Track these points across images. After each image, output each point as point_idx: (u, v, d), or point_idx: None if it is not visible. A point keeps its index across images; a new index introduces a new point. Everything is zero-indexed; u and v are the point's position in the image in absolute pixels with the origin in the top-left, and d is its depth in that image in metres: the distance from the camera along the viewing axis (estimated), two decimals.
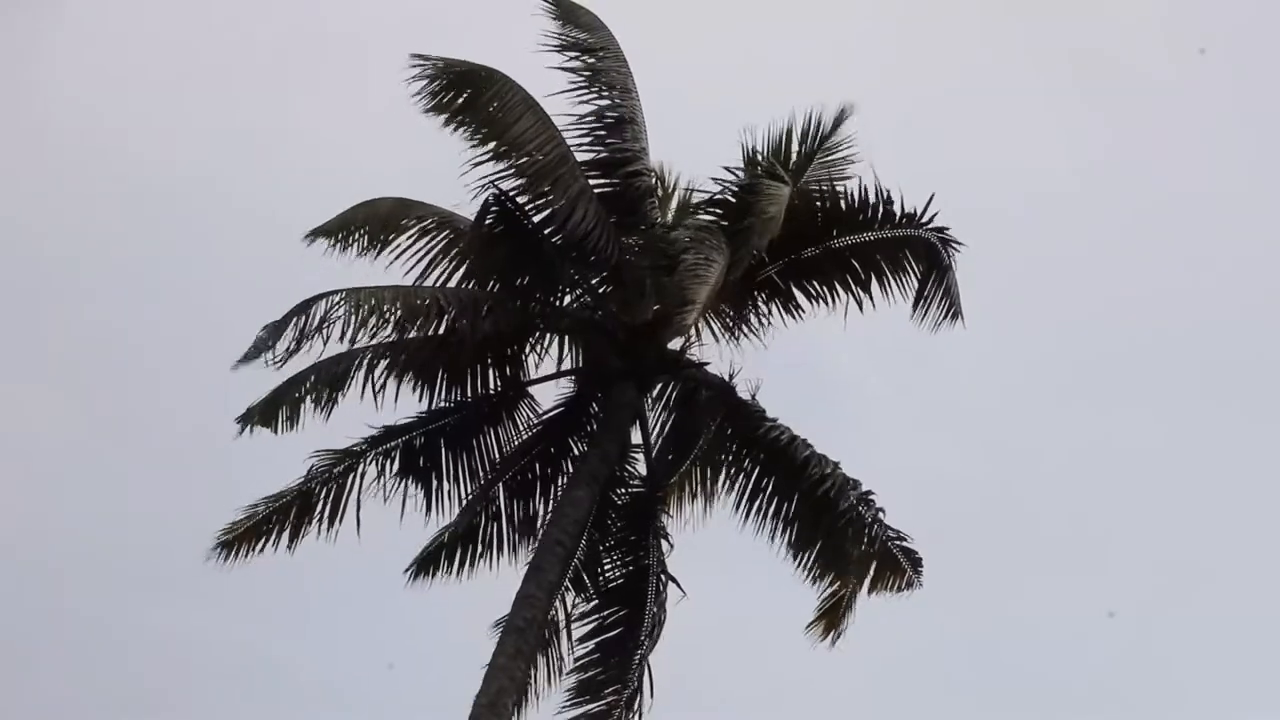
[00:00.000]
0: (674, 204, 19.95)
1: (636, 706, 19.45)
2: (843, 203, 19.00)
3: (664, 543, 19.74)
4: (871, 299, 19.34)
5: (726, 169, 18.90)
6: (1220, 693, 30.71)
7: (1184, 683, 31.14)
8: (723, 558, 20.31)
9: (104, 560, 30.02)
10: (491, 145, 18.50)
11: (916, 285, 19.12)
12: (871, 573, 18.60)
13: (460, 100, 18.33)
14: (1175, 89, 34.23)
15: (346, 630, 30.07)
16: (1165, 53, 33.81)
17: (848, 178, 19.15)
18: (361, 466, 19.40)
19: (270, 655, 30.45)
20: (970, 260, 19.07)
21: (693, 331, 19.48)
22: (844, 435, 19.49)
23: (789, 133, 19.34)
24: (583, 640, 19.77)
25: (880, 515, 18.57)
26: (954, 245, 18.86)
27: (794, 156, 19.31)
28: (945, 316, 19.11)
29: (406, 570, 19.83)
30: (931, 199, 18.68)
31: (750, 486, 19.24)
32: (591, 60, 19.09)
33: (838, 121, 19.38)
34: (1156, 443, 32.32)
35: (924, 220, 18.81)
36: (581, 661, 19.69)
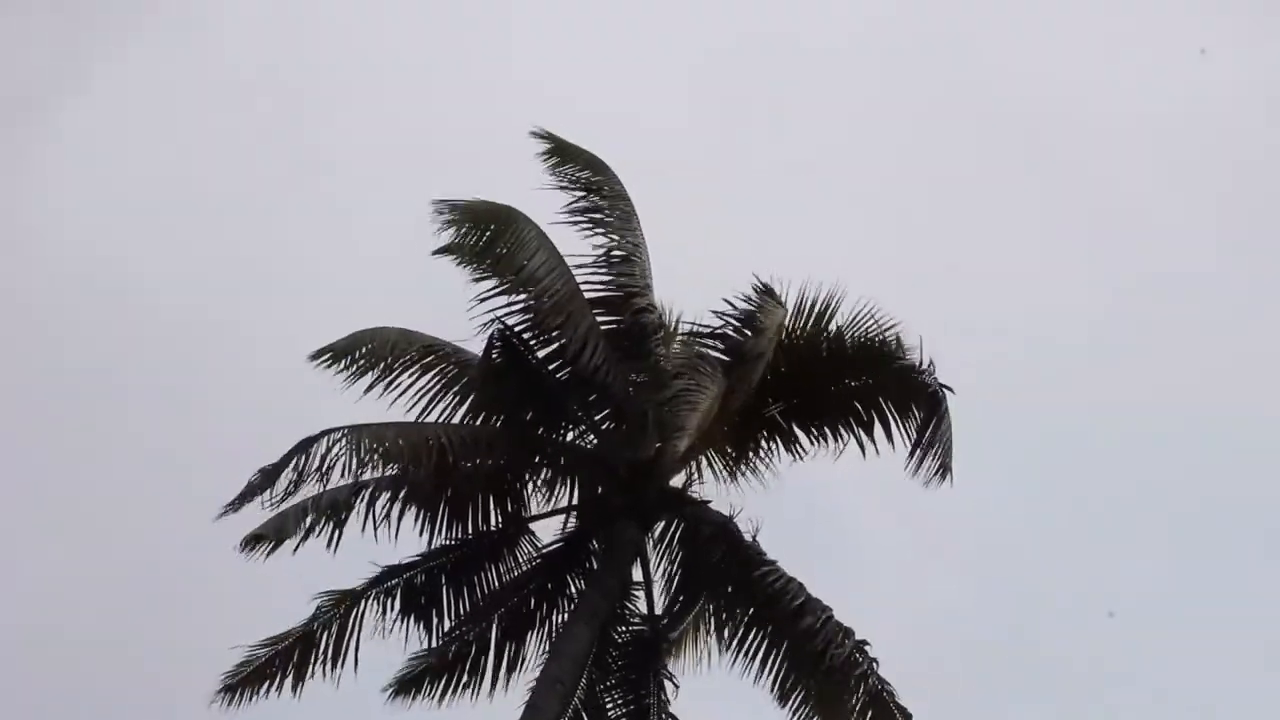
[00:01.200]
0: (677, 340, 19.89)
1: None
2: (848, 344, 19.00)
3: (667, 683, 19.60)
4: (874, 442, 19.31)
5: (725, 301, 18.84)
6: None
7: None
8: (730, 696, 20.05)
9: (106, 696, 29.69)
10: (506, 280, 18.68)
11: (915, 434, 19.05)
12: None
13: (480, 240, 18.56)
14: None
15: None
16: None
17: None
18: (362, 606, 19.27)
19: None
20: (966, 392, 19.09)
21: (695, 469, 19.55)
22: (842, 564, 19.29)
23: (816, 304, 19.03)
24: None
25: (874, 666, 18.36)
26: (947, 390, 18.76)
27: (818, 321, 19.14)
28: (936, 473, 19.00)
29: (385, 689, 19.66)
30: (932, 359, 18.71)
31: (742, 630, 19.04)
32: (594, 198, 19.31)
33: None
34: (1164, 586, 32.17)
35: (927, 368, 18.76)
36: None
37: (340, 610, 19.19)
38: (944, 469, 18.93)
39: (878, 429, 19.22)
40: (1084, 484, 32.60)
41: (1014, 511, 31.69)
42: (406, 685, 19.71)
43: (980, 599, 30.73)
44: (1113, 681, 30.99)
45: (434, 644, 19.58)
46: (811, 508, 22.84)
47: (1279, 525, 32.45)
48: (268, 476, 18.36)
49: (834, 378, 19.19)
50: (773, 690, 18.87)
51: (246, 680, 19.03)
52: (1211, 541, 32.83)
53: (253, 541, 18.61)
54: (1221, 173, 34.27)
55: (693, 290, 19.53)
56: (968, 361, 19.87)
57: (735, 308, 18.69)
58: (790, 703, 18.82)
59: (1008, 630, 31.04)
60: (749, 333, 18.49)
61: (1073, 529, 32.71)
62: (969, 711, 26.42)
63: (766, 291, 18.64)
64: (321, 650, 19.13)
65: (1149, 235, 34.17)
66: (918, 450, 18.95)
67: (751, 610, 18.95)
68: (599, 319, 19.10)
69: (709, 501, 19.49)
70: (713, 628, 19.51)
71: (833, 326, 18.98)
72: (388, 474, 18.81)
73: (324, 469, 18.10)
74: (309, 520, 18.61)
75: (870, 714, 18.36)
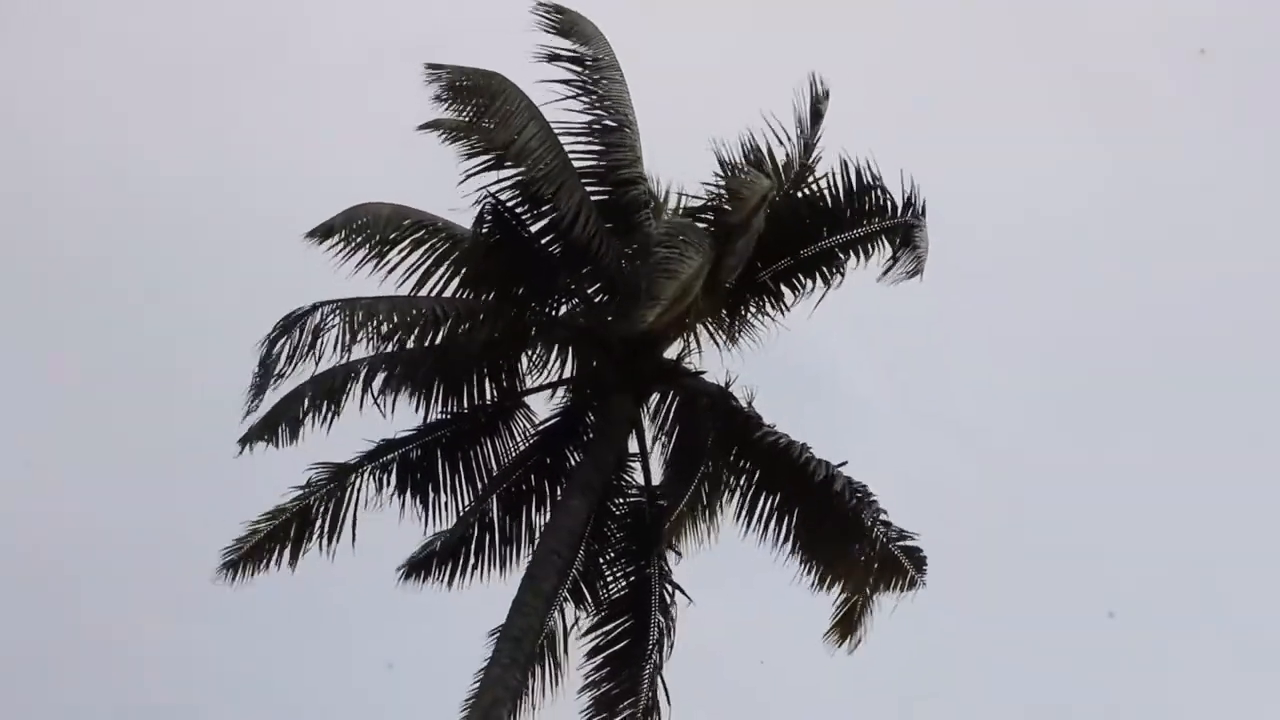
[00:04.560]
0: (667, 214, 19.74)
1: (655, 715, 19.43)
2: (829, 199, 18.92)
3: (669, 552, 19.68)
4: (841, 275, 19.26)
5: (712, 175, 18.61)
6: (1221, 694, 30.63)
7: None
8: (741, 564, 20.14)
9: (102, 575, 29.89)
10: (497, 152, 18.52)
11: (890, 258, 19.01)
12: (875, 574, 18.52)
13: (472, 108, 18.39)
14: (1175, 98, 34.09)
15: (346, 633, 29.92)
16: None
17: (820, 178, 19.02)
18: (358, 480, 19.35)
19: (269, 668, 30.27)
20: (968, 273, 19.02)
21: (690, 341, 19.49)
22: (843, 443, 19.27)
23: (765, 146, 18.79)
24: (591, 655, 19.69)
25: (882, 515, 18.45)
26: (922, 216, 18.70)
27: (778, 161, 18.93)
28: (907, 275, 19.02)
29: (398, 570, 19.80)
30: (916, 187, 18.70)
31: (751, 493, 19.15)
32: (587, 71, 19.09)
33: (815, 114, 18.93)
34: (1151, 458, 32.28)
35: (913, 207, 18.72)
36: (592, 677, 19.62)
37: (335, 484, 19.26)
38: (916, 271, 18.93)
39: (857, 264, 19.20)
40: (1080, 357, 32.71)
41: (1008, 379, 31.80)
42: (416, 567, 19.85)
43: (974, 467, 30.90)
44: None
45: (430, 520, 19.72)
46: (805, 377, 22.92)
47: None
48: (266, 360, 18.29)
49: (820, 235, 19.11)
50: (791, 552, 19.01)
51: (247, 555, 19.14)
52: (1211, 411, 32.95)
53: (250, 439, 18.74)
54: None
55: (684, 149, 19.33)
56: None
57: (722, 179, 18.45)
58: (802, 560, 18.98)
59: (1000, 498, 31.22)
60: (736, 205, 18.19)
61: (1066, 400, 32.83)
62: (962, 578, 26.56)
63: (755, 162, 18.45)
64: (317, 525, 19.23)
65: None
66: (892, 262, 18.96)
67: (758, 472, 19.07)
68: (589, 191, 18.99)
69: (703, 373, 19.51)
70: (719, 496, 19.55)
71: (818, 185, 18.96)
72: (381, 352, 18.88)
73: (317, 342, 18.12)
74: (305, 406, 18.71)
75: (879, 565, 18.52)
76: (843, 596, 18.85)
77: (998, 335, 31.25)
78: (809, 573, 19.00)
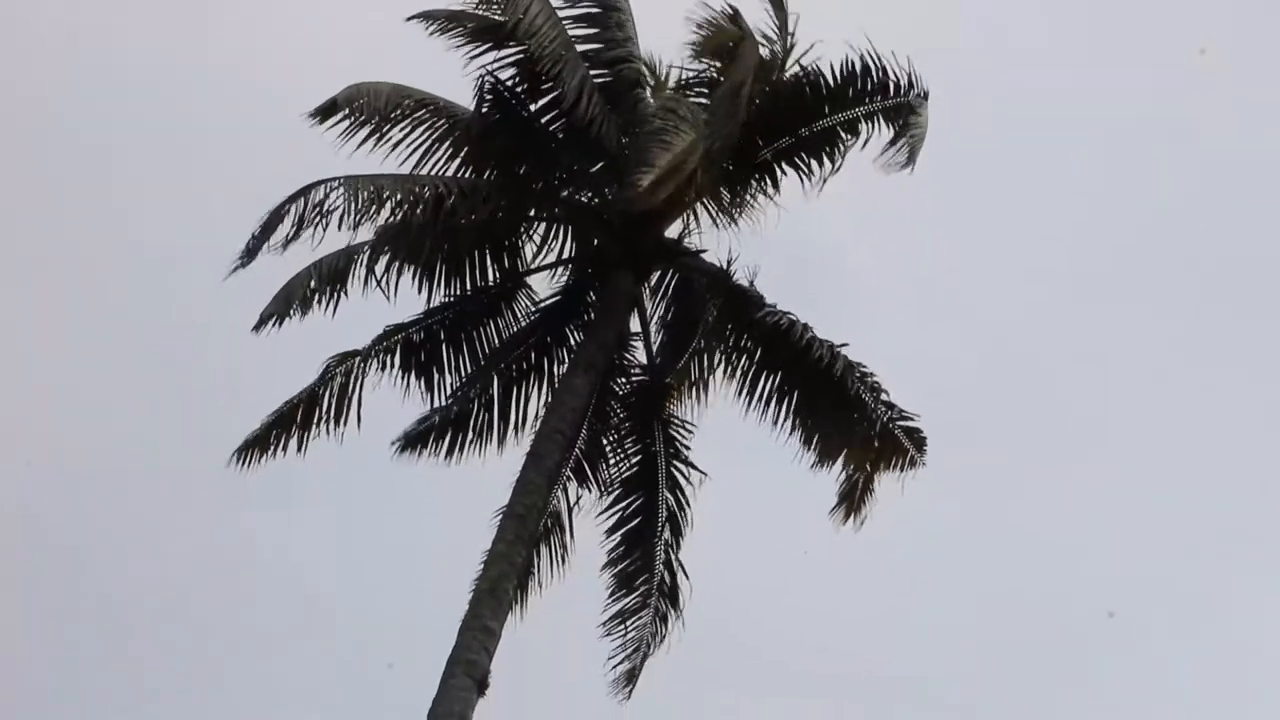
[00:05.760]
0: (663, 92, 19.60)
1: (674, 596, 19.69)
2: (829, 79, 18.89)
3: (678, 429, 19.81)
4: (843, 159, 19.19)
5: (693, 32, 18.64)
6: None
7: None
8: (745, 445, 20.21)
9: (117, 460, 30.07)
10: (502, 32, 18.60)
11: (890, 138, 18.87)
12: (875, 453, 18.65)
13: None
14: None
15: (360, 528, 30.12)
16: None
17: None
18: (364, 365, 19.39)
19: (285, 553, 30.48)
20: (975, 149, 18.94)
21: (691, 220, 19.52)
22: (845, 328, 19.32)
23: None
24: (609, 533, 19.90)
25: (883, 395, 18.58)
26: (922, 97, 18.65)
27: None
28: (901, 165, 18.78)
29: (393, 443, 19.88)
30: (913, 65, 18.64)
31: (752, 373, 19.23)
32: None
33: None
34: (1156, 339, 32.36)
35: (914, 87, 18.68)
36: (611, 556, 19.84)
37: (340, 368, 19.35)
38: (909, 160, 18.71)
39: (856, 147, 19.15)
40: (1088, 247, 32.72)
41: (1017, 270, 31.82)
42: (413, 441, 19.95)
43: (981, 359, 30.96)
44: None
45: (435, 401, 19.82)
46: (812, 265, 22.95)
47: None
48: (266, 226, 18.47)
49: (821, 114, 19.08)
50: (791, 430, 19.13)
51: (256, 440, 19.26)
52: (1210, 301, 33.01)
53: (264, 320, 18.89)
54: None
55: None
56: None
57: (702, 39, 18.48)
58: (805, 439, 19.10)
59: (1008, 390, 31.33)
60: (712, 52, 18.42)
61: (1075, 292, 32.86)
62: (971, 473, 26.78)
63: (732, 18, 18.32)
64: (324, 409, 19.30)
65: None
66: (891, 145, 18.83)
67: (759, 351, 19.15)
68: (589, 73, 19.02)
69: (704, 251, 19.59)
70: (720, 373, 19.61)
71: (816, 63, 18.92)
72: (384, 233, 18.88)
73: (322, 215, 18.25)
74: (312, 286, 18.81)
75: (880, 443, 18.64)
76: (845, 474, 18.95)
77: (1009, 226, 31.22)
78: (809, 450, 19.12)
